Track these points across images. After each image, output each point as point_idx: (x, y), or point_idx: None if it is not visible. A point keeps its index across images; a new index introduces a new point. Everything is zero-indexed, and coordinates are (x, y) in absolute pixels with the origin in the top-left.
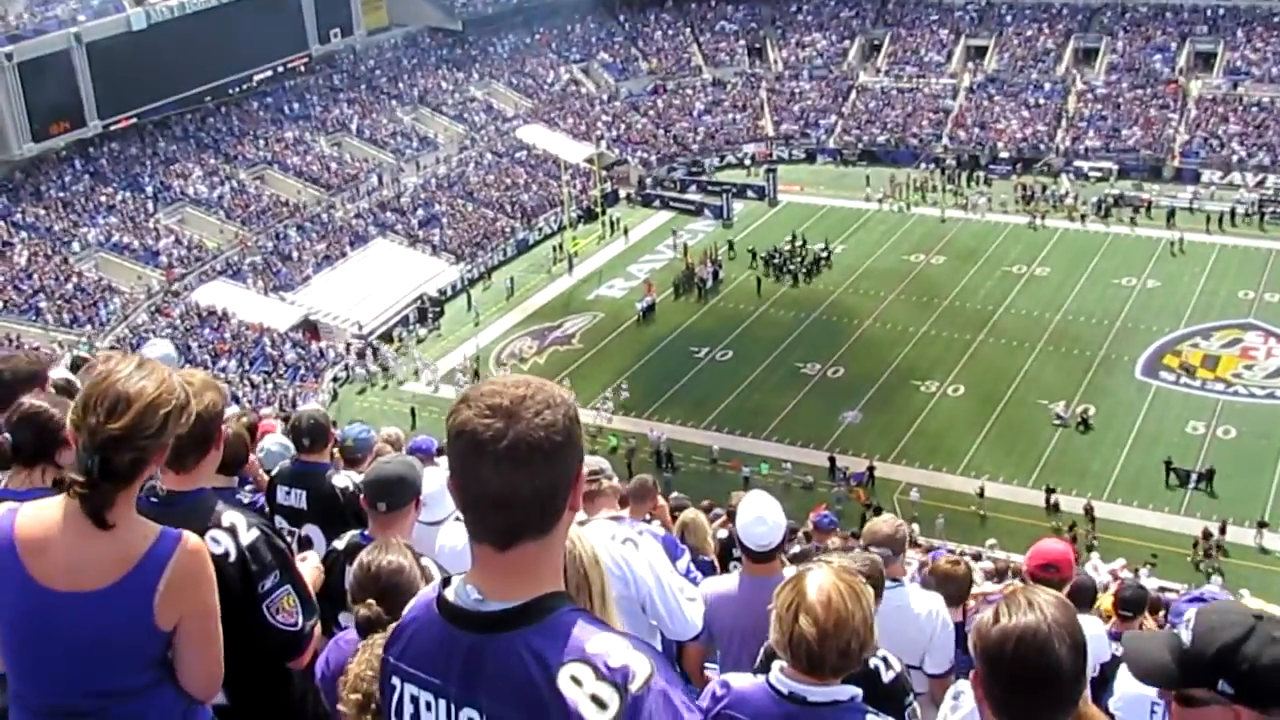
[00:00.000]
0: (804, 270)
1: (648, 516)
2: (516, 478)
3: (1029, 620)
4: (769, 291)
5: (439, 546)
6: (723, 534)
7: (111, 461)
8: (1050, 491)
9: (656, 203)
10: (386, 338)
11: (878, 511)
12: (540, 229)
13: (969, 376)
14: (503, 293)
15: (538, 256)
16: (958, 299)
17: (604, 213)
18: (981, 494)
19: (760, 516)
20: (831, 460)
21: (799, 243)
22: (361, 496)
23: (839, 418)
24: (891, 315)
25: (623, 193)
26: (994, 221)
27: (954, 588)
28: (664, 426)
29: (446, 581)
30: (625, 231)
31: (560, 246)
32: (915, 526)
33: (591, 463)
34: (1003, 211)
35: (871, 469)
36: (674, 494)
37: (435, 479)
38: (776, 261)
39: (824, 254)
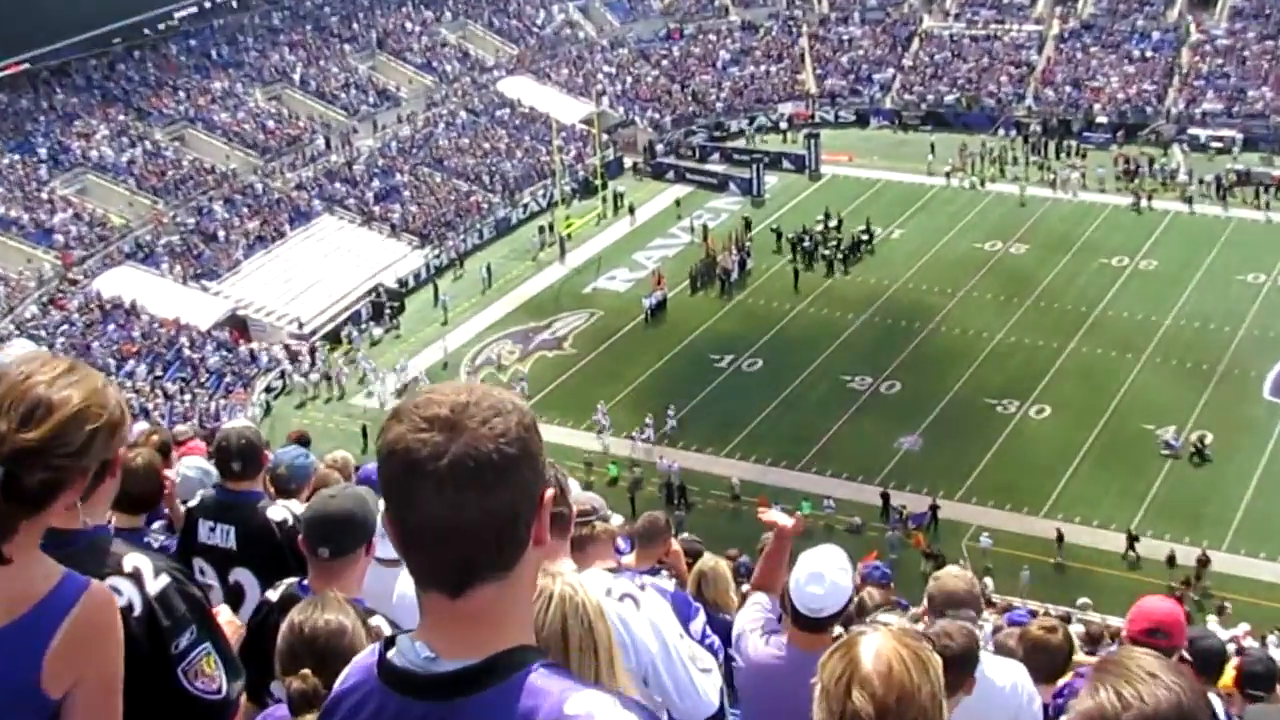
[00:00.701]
0: (840, 256)
1: (657, 564)
2: (463, 501)
3: (1165, 697)
4: (809, 286)
5: (398, 596)
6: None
7: (19, 479)
8: (1133, 540)
9: (670, 175)
10: (333, 339)
11: (940, 562)
12: (525, 206)
13: (1057, 395)
14: (478, 284)
15: (522, 240)
16: (1043, 298)
17: (604, 186)
18: (1060, 540)
19: (817, 573)
20: (885, 497)
21: (833, 223)
22: (300, 538)
23: (895, 444)
24: (961, 317)
25: (628, 162)
26: (1089, 202)
27: (1047, 660)
28: (676, 453)
29: (391, 641)
30: (631, 210)
31: (550, 228)
32: (989, 581)
33: (583, 499)
34: (1100, 190)
35: (935, 508)
36: (684, 535)
37: None
38: (806, 246)
39: (865, 236)
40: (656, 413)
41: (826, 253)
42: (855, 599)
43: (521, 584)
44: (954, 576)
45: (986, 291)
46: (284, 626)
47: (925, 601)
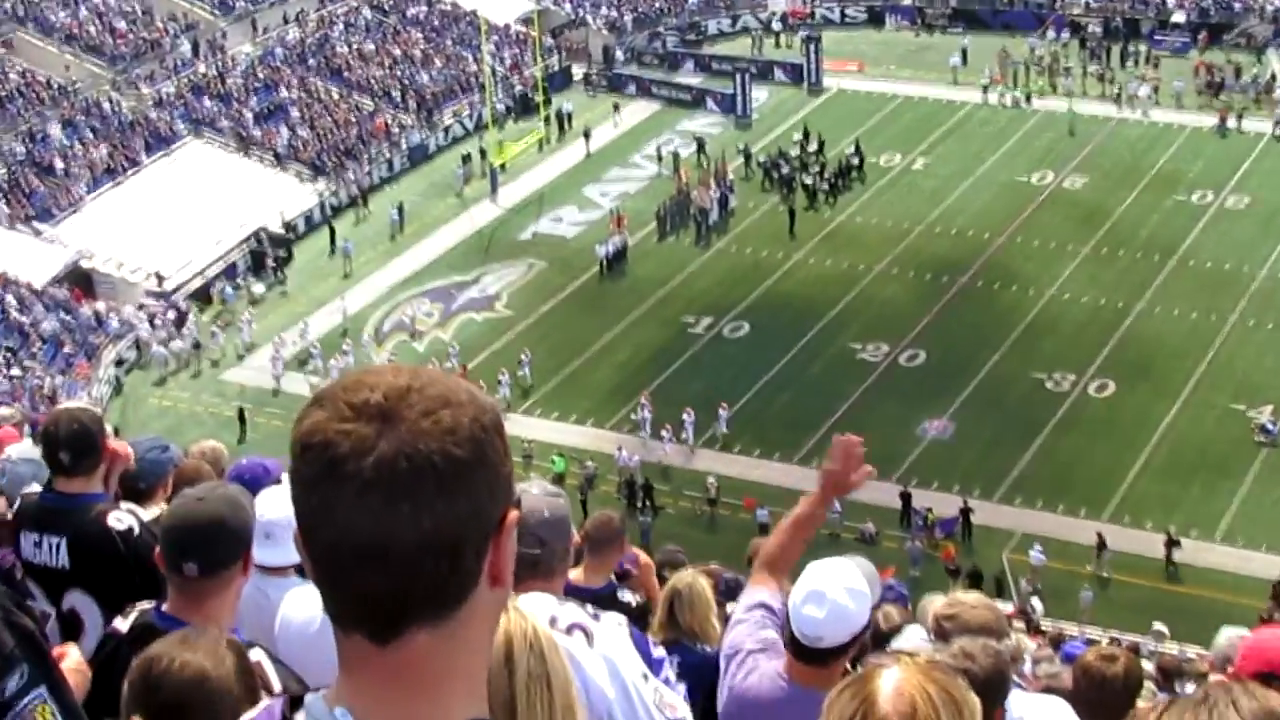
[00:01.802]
0: (824, 186)
1: (614, 579)
2: (392, 515)
3: None
4: (809, 230)
5: (282, 620)
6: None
7: None
8: (1172, 544)
9: (631, 89)
10: (202, 297)
11: (975, 578)
12: (447, 129)
13: (1123, 366)
14: (386, 228)
15: (442, 172)
16: (1105, 244)
17: (547, 104)
18: (1101, 547)
19: (816, 592)
20: (905, 498)
21: (811, 145)
22: (156, 550)
23: (917, 430)
24: (1002, 269)
25: (578, 72)
26: (1162, 123)
27: (1102, 695)
28: (640, 443)
29: (296, 702)
30: (586, 135)
31: (479, 156)
32: (1037, 604)
33: (531, 511)
34: (1176, 107)
35: (967, 511)
36: (668, 547)
37: (279, 502)
38: (783, 173)
39: (855, 161)
40: (615, 393)
41: (808, 181)
42: (868, 628)
43: (470, 633)
44: (973, 606)
45: (1034, 236)
46: (132, 668)
47: (931, 632)
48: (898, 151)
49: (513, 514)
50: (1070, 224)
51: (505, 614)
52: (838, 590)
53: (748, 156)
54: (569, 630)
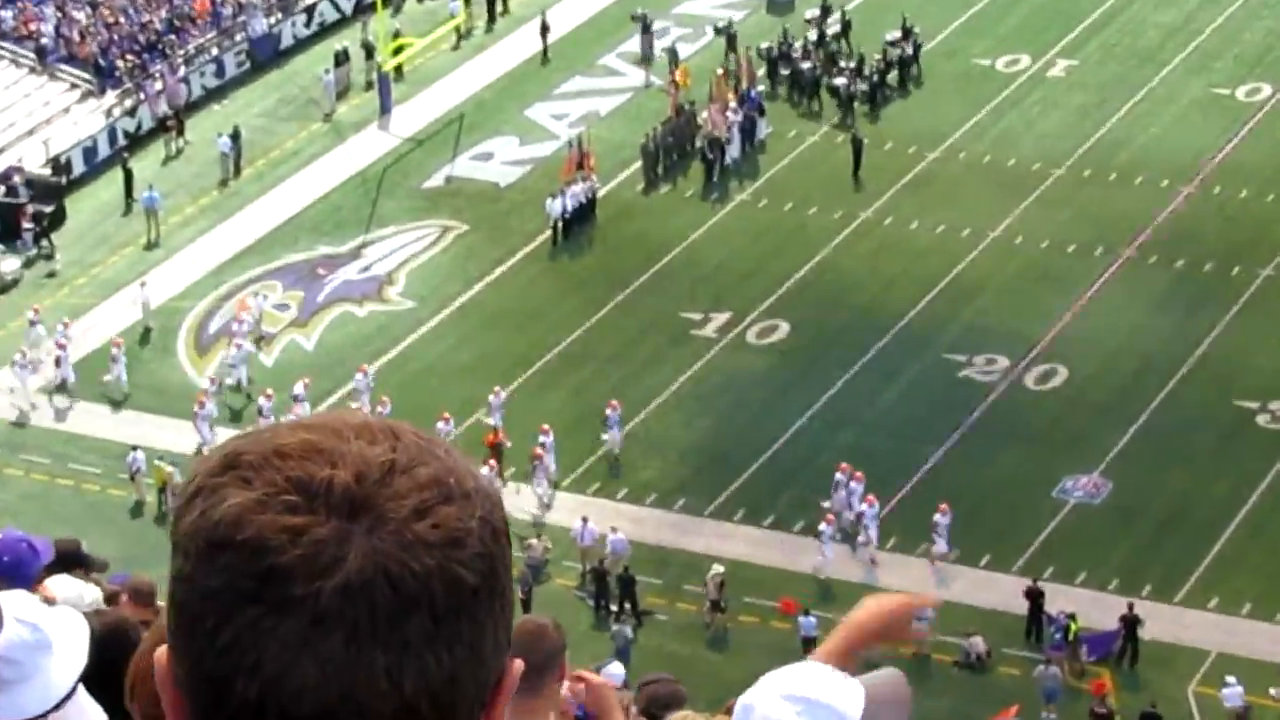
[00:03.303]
0: (865, 88)
1: None
2: (363, 669)
3: None
4: (884, 174)
5: None
6: None
7: None
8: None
9: None
10: None
11: None
12: (310, 11)
13: None
14: (214, 170)
15: (301, 79)
16: None
17: None
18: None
19: (746, 706)
20: (1035, 597)
21: (834, 24)
22: None
23: (1055, 491)
24: (1184, 237)
25: None
26: None
27: None
28: (618, 513)
29: None
30: (544, 30)
31: (365, 54)
32: None
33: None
34: None
35: (1132, 621)
36: (650, 679)
37: (35, 614)
38: (804, 71)
39: (904, 50)
40: (573, 431)
41: (839, 83)
42: None
43: None
44: None
45: (1238, 187)
46: None
47: None
48: (1024, 51)
49: (516, 665)
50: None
51: None
52: (772, 701)
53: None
54: None
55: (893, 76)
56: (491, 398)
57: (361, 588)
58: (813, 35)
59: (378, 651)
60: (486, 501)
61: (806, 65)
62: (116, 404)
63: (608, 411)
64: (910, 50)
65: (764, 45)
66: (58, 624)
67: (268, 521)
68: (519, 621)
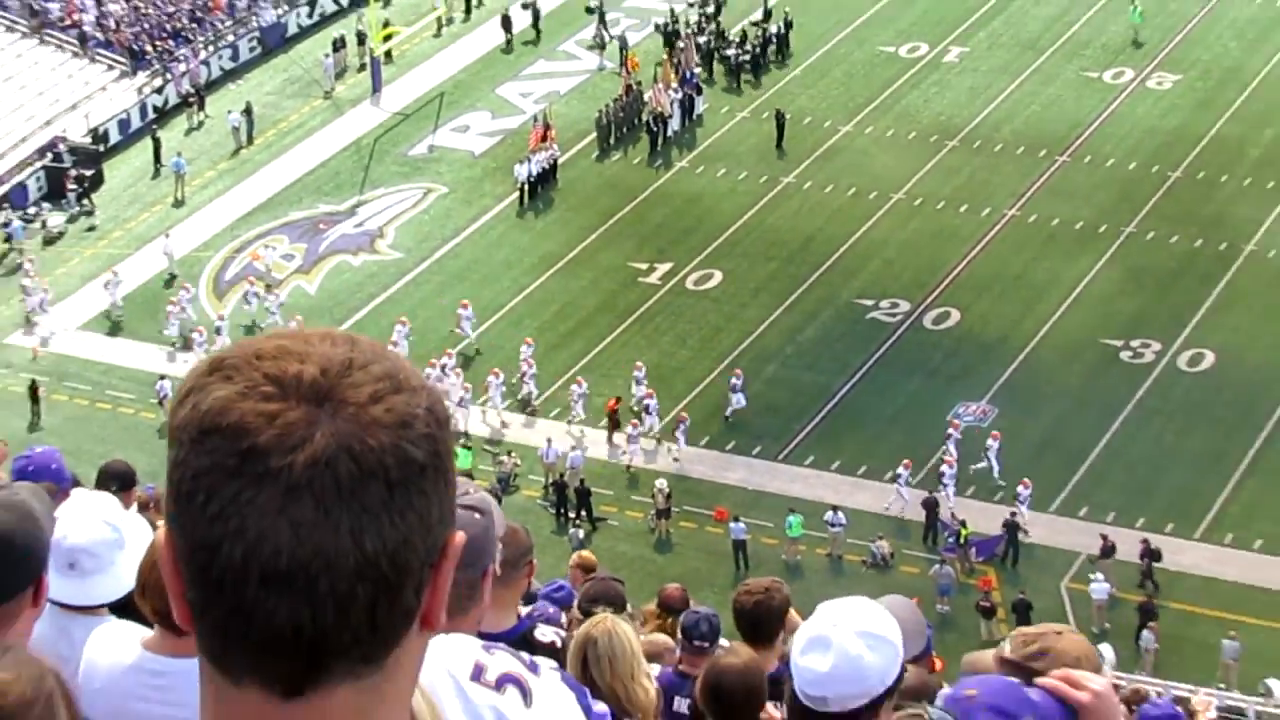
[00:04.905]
0: (746, 58)
1: (523, 613)
2: (330, 531)
3: None
4: (805, 142)
5: (86, 667)
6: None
7: None
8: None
9: None
10: None
11: (1024, 615)
12: (313, 4)
13: (1226, 332)
14: (229, 140)
15: (304, 62)
16: (1200, 167)
17: None
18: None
19: (821, 636)
20: (931, 506)
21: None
22: None
23: (948, 415)
24: (1059, 199)
25: None
26: None
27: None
28: (576, 433)
29: None
30: (505, 20)
31: (357, 41)
32: (1107, 652)
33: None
34: None
35: (1014, 527)
36: (591, 577)
37: (91, 520)
38: (702, 43)
39: (769, 28)
40: (541, 365)
41: (730, 54)
42: (894, 690)
43: (395, 687)
44: (1059, 633)
45: (1105, 157)
46: None
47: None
48: (923, 39)
49: (457, 537)
50: (1157, 138)
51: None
52: (848, 636)
53: (667, 32)
54: (499, 685)
55: (772, 50)
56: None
57: (327, 461)
58: (707, 10)
59: (342, 515)
60: (430, 395)
61: (702, 39)
62: (184, 342)
63: (635, 373)
64: (783, 28)
65: (701, 39)
66: (132, 527)
67: (248, 409)
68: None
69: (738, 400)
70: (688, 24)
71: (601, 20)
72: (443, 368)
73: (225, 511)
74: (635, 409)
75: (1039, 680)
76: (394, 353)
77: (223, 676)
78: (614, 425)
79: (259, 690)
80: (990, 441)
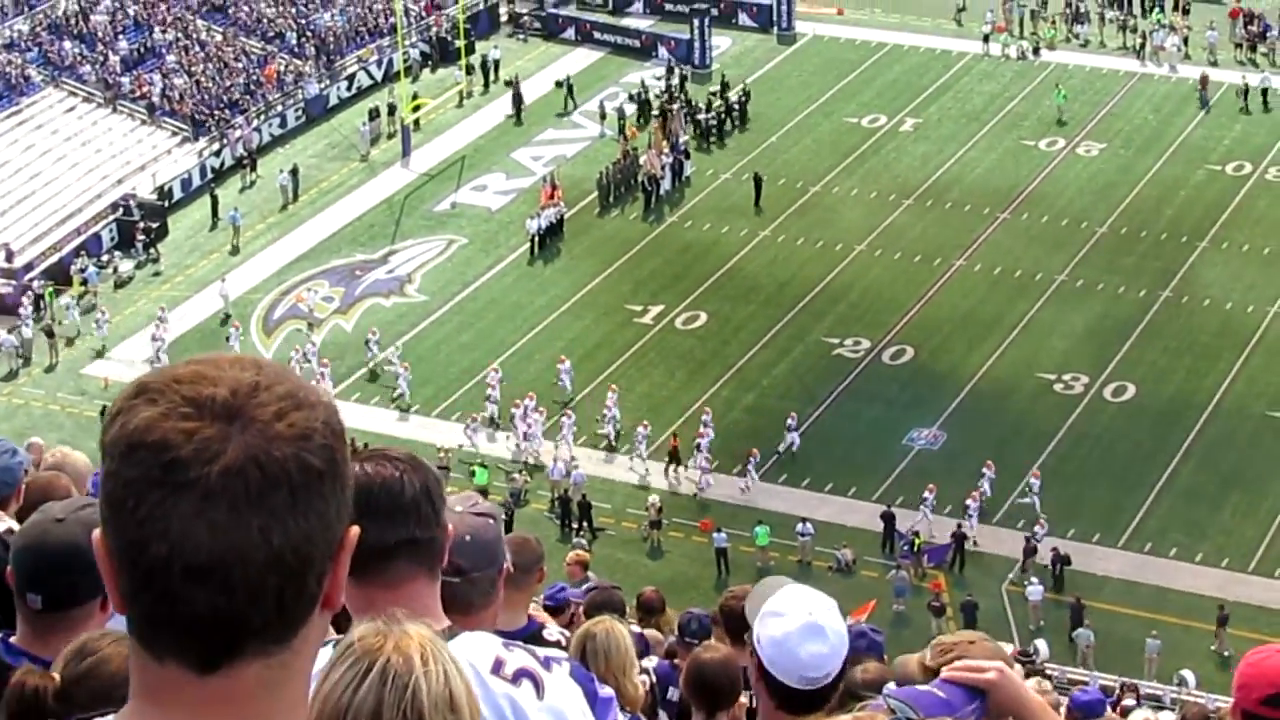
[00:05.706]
0: (713, 122)
1: (533, 616)
2: (241, 531)
3: None
4: (779, 202)
5: None
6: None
7: None
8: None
9: (570, 33)
10: (59, 276)
11: (970, 615)
12: (352, 79)
13: (1146, 366)
14: (277, 196)
15: (343, 130)
16: (1126, 222)
17: (470, 51)
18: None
19: (814, 625)
20: (888, 519)
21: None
22: (8, 571)
23: (904, 439)
24: (1001, 251)
25: (505, 11)
26: (1192, 80)
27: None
28: (578, 455)
29: None
30: (516, 95)
31: (389, 111)
32: (1042, 647)
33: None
34: (1210, 61)
35: (961, 537)
36: (593, 586)
37: None
38: (671, 110)
39: (730, 98)
40: (549, 394)
41: (700, 118)
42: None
43: (300, 662)
44: (972, 642)
45: (1040, 214)
46: (7, 693)
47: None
48: (882, 112)
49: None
50: (1084, 199)
51: (403, 650)
52: (825, 615)
53: (689, 110)
54: (515, 679)
55: (736, 115)
56: (491, 374)
57: (238, 471)
58: (673, 81)
59: (252, 517)
60: (327, 410)
61: (675, 106)
62: None
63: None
64: (741, 98)
65: (677, 107)
66: None
67: (169, 427)
68: (511, 535)
69: (792, 439)
70: (658, 95)
71: (570, 93)
72: (524, 409)
73: (152, 515)
74: (698, 448)
75: (944, 674)
76: (296, 374)
77: (148, 654)
78: (674, 460)
79: (178, 666)
80: (1033, 480)
